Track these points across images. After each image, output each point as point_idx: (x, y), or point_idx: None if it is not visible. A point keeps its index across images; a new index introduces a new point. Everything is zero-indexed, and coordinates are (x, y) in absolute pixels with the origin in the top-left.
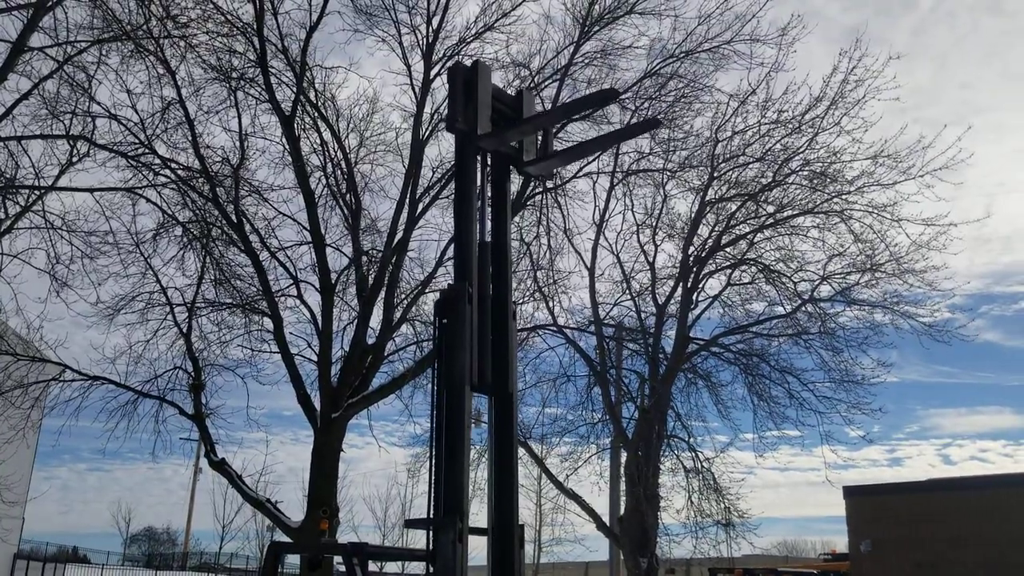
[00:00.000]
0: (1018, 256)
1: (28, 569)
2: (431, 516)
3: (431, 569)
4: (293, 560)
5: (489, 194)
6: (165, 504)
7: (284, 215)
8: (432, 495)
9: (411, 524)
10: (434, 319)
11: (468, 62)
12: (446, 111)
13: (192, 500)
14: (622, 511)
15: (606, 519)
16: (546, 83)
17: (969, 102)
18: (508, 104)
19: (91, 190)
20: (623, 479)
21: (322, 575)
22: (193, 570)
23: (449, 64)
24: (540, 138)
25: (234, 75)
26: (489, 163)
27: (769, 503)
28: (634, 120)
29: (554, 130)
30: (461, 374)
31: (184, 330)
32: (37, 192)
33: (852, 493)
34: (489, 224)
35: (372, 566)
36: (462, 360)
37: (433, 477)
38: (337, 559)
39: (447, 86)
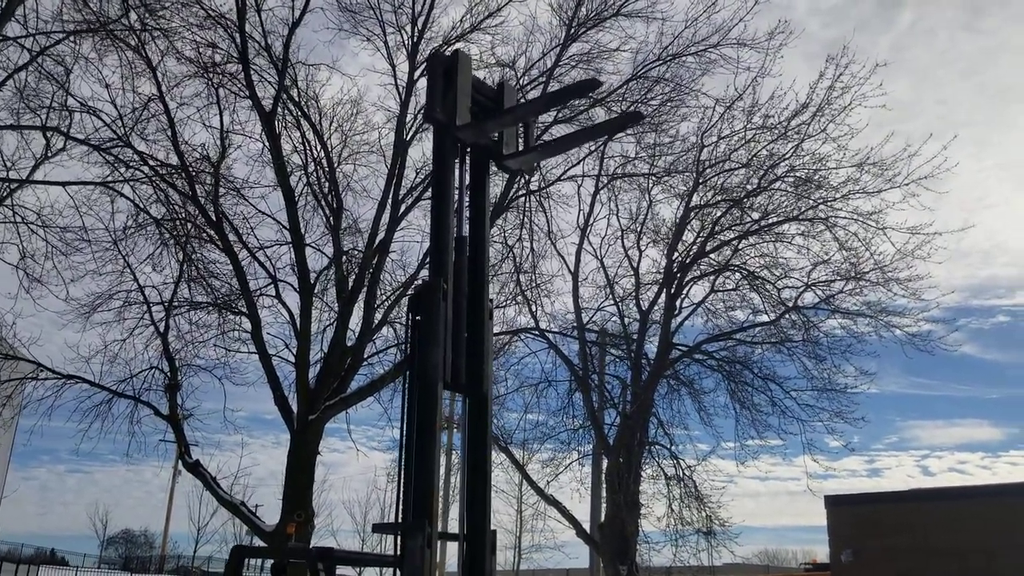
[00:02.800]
0: (996, 270)
1: (2, 570)
2: (399, 520)
3: (399, 575)
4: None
5: (467, 185)
6: (144, 506)
7: (264, 213)
8: (401, 498)
9: (379, 528)
10: (407, 315)
11: None
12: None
13: (170, 503)
14: (603, 518)
15: (587, 526)
16: (532, 85)
17: (946, 117)
18: (489, 96)
19: (65, 184)
20: (604, 485)
21: None
22: (170, 573)
23: None
24: (521, 131)
25: (215, 71)
26: (468, 155)
27: (749, 512)
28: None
29: (537, 130)
30: (433, 372)
31: (161, 329)
32: (10, 186)
33: (834, 503)
34: (467, 219)
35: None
36: (435, 358)
37: (402, 479)
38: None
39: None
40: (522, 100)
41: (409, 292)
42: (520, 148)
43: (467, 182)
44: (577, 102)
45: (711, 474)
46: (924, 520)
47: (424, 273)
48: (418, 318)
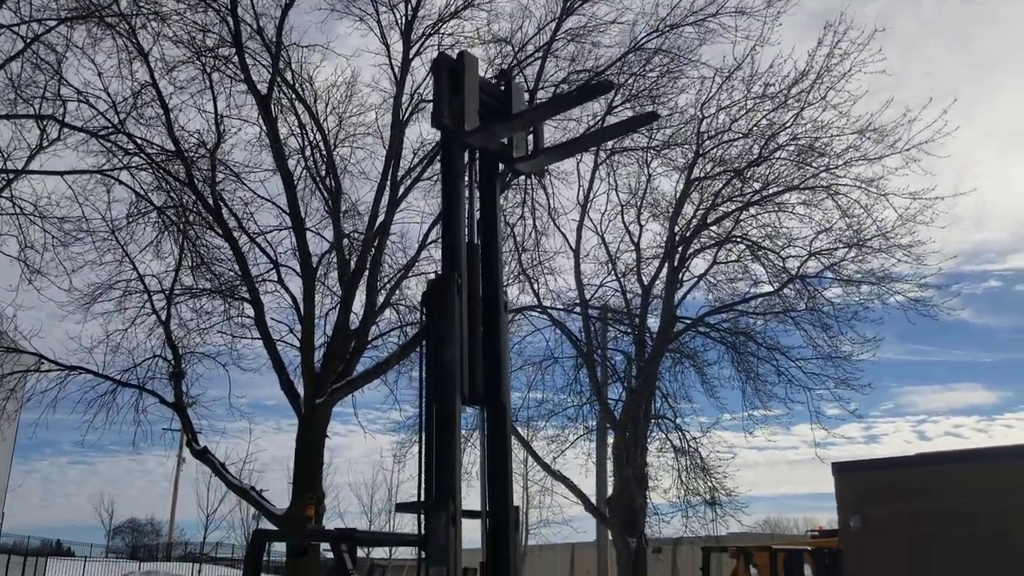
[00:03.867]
0: (987, 235)
1: (9, 563)
2: (422, 500)
3: (423, 554)
4: (279, 547)
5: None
6: (149, 495)
7: (262, 198)
8: (423, 478)
9: (402, 508)
10: (420, 310)
11: (448, 41)
12: (431, 105)
13: (176, 490)
14: (610, 492)
15: (594, 500)
16: (528, 60)
17: (936, 88)
18: (496, 97)
19: (63, 173)
20: (610, 460)
21: (309, 563)
22: (178, 561)
23: (428, 43)
24: (530, 133)
25: (208, 55)
26: (477, 161)
27: (749, 482)
28: (619, 98)
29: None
30: (450, 364)
31: (163, 318)
32: (7, 177)
33: (841, 469)
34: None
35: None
36: (450, 353)
37: (424, 460)
38: (324, 546)
39: (431, 79)
40: (524, 90)
41: (414, 276)
42: (530, 151)
43: (476, 183)
44: (576, 77)
45: (716, 445)
46: (935, 484)
47: (425, 255)
48: (429, 310)
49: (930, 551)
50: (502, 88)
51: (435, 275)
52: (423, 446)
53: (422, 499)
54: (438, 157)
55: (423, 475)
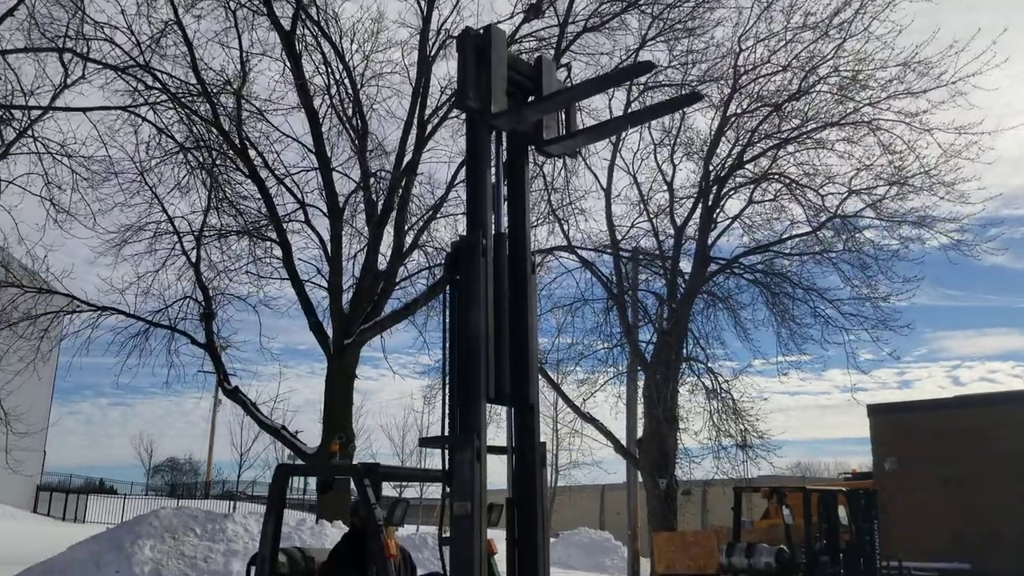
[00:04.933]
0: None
1: (52, 500)
2: (446, 434)
3: (447, 489)
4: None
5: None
6: (187, 436)
7: (288, 136)
8: (447, 413)
9: (425, 443)
10: (445, 273)
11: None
12: (455, 84)
13: (212, 431)
14: (640, 434)
15: (624, 443)
16: None
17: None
18: (525, 74)
19: (86, 109)
20: (641, 402)
21: (337, 499)
22: (215, 498)
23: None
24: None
25: None
26: (504, 145)
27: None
28: (654, 29)
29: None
30: (476, 328)
31: (192, 259)
32: (31, 115)
33: (877, 411)
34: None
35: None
36: (476, 318)
37: (447, 394)
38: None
39: (456, 55)
40: (559, 69)
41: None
42: (562, 132)
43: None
44: (607, 8)
45: (747, 388)
46: (973, 426)
47: (453, 195)
48: (457, 278)
49: (966, 492)
50: (531, 64)
51: (459, 236)
52: (446, 379)
53: (447, 434)
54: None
55: (447, 410)
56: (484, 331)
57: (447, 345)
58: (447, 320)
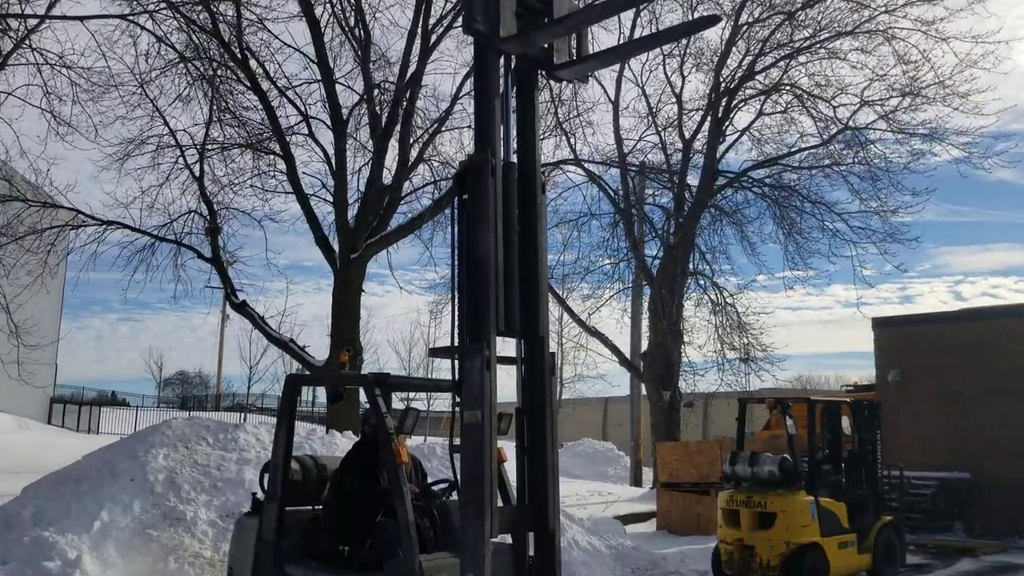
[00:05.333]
0: None
1: (65, 412)
2: (456, 344)
3: (457, 399)
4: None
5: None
6: (197, 350)
7: (290, 46)
8: (456, 323)
9: (435, 353)
10: (453, 192)
11: None
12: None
13: (221, 345)
14: (644, 348)
15: (628, 356)
16: None
17: None
18: None
19: (83, 18)
20: (645, 316)
21: (347, 408)
22: (226, 410)
23: None
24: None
25: None
26: (513, 67)
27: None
28: None
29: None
30: (485, 250)
31: (196, 173)
32: (28, 24)
33: (881, 324)
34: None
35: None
36: (485, 239)
37: (457, 304)
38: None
39: None
40: None
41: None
42: (572, 56)
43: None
44: None
45: (751, 303)
46: (976, 339)
47: (458, 107)
48: (465, 196)
49: (968, 404)
50: None
51: (468, 155)
52: (455, 288)
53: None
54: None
55: (456, 320)
56: (493, 253)
57: (456, 259)
58: (455, 235)
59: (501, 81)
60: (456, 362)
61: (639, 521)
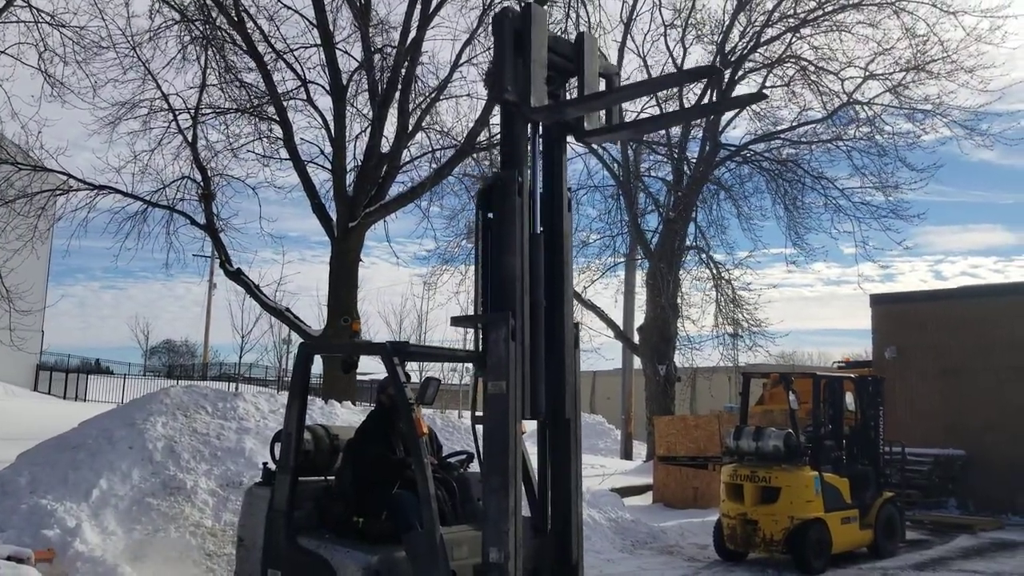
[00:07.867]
0: (1021, 73)
1: (52, 379)
2: (479, 313)
3: (479, 370)
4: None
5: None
6: (181, 320)
7: (288, 8)
8: (479, 291)
9: (458, 321)
10: (476, 213)
11: None
12: (488, 70)
13: (208, 313)
14: (640, 322)
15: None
16: None
17: None
18: (566, 55)
19: None
20: (640, 290)
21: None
22: (213, 380)
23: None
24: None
25: None
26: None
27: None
28: None
29: None
30: (510, 270)
31: (189, 138)
32: None
33: (879, 301)
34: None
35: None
36: (510, 263)
37: (480, 271)
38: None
39: (491, 39)
40: (601, 42)
41: (445, 100)
42: (603, 123)
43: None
44: None
45: (745, 278)
46: (973, 316)
47: (458, 75)
48: (490, 216)
49: (964, 381)
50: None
51: (494, 172)
52: (479, 257)
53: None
54: None
55: (479, 289)
56: (520, 273)
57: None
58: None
59: (528, 145)
60: (480, 331)
61: (635, 494)
